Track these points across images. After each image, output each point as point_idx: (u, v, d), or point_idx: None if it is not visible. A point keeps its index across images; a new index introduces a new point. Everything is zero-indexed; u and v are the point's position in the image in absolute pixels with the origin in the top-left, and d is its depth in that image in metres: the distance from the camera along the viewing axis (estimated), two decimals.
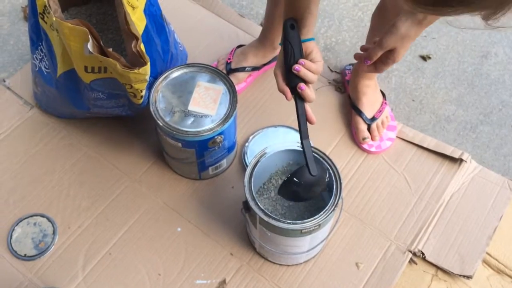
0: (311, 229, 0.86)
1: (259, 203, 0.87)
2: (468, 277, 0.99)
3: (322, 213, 0.86)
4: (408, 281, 1.00)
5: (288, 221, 0.85)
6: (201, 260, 1.02)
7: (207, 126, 0.96)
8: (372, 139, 1.14)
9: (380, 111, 1.15)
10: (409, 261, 1.02)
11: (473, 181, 1.11)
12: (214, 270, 1.01)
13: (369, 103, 1.15)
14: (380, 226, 1.06)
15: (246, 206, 0.90)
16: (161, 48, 1.05)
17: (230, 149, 1.07)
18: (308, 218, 0.97)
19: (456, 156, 1.13)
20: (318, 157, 0.92)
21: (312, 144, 1.14)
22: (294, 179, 0.87)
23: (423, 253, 1.02)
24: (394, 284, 0.99)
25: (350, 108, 1.19)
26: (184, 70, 1.03)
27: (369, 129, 1.14)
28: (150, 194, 1.10)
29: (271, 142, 1.16)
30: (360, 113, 1.14)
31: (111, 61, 0.82)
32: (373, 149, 1.14)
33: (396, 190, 1.11)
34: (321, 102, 1.23)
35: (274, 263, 1.02)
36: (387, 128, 1.16)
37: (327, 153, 0.92)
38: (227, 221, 1.07)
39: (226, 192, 1.11)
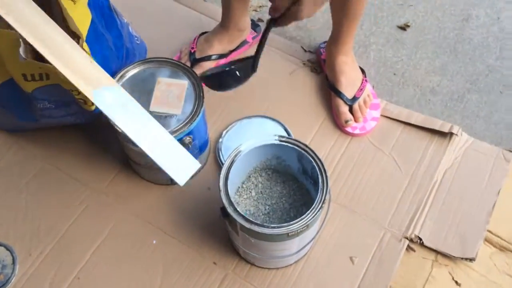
0: (299, 231, 0.77)
1: (238, 209, 0.78)
2: (471, 260, 0.92)
3: (309, 212, 0.77)
4: (407, 271, 0.93)
5: (273, 226, 0.76)
6: (181, 274, 0.93)
7: (173, 127, 0.86)
8: (355, 120, 1.05)
9: (361, 89, 1.06)
10: (407, 249, 0.94)
11: (465, 155, 1.04)
12: (196, 284, 0.92)
13: (349, 82, 1.06)
14: (372, 214, 0.98)
15: (224, 212, 0.80)
16: (113, 44, 0.94)
17: (202, 148, 0.97)
18: (294, 215, 0.89)
19: (446, 130, 1.05)
20: (298, 149, 0.83)
21: (292, 135, 1.06)
22: (237, 72, 0.84)
23: (420, 239, 0.94)
24: (393, 275, 0.91)
25: (329, 90, 1.09)
26: (142, 67, 0.92)
27: (351, 110, 1.05)
28: (119, 206, 1.00)
29: (247, 135, 1.06)
30: (339, 94, 1.05)
31: (50, 66, 0.71)
32: (357, 131, 1.05)
33: (385, 173, 1.03)
34: (297, 86, 1.14)
35: (262, 267, 0.93)
36: (370, 107, 1.08)
37: (307, 142, 0.84)
38: (206, 227, 0.97)
39: (203, 195, 1.01)
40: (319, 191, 0.79)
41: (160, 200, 1.01)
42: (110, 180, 1.03)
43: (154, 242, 0.96)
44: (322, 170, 0.81)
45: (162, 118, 0.86)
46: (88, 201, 1.00)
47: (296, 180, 0.93)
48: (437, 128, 1.05)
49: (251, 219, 0.77)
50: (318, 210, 0.78)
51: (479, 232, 0.95)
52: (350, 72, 1.06)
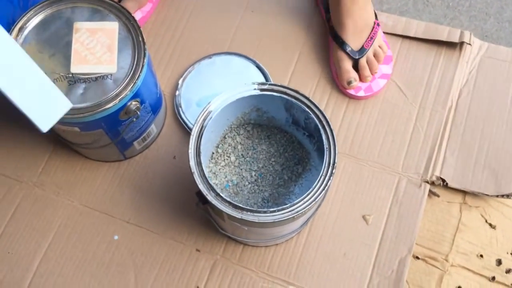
0: (307, 209, 0.57)
1: (221, 193, 0.57)
2: (508, 196, 0.76)
3: (316, 184, 0.57)
4: (432, 221, 0.76)
5: (272, 210, 0.56)
6: (158, 271, 0.73)
7: (110, 92, 0.61)
8: (361, 80, 0.81)
9: (371, 37, 0.80)
10: (429, 195, 0.77)
11: (481, 66, 0.85)
12: (180, 280, 0.73)
13: (357, 28, 0.79)
14: (380, 159, 0.79)
15: (202, 199, 0.59)
16: None
17: (155, 109, 0.74)
18: (289, 177, 0.69)
19: (455, 39, 0.84)
20: (288, 97, 0.61)
21: (270, 78, 0.82)
22: None
23: (443, 180, 0.77)
24: (417, 230, 0.75)
25: (327, 33, 0.85)
26: (49, 11, 0.64)
27: (356, 66, 0.81)
28: (61, 198, 0.77)
29: (210, 81, 0.83)
30: (342, 44, 0.80)
31: None
32: (361, 94, 0.81)
33: (389, 105, 0.83)
34: (285, 33, 0.88)
35: (257, 246, 0.75)
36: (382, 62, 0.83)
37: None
38: (179, 206, 0.76)
39: (168, 167, 0.79)
40: (325, 152, 0.59)
41: (113, 182, 0.78)
42: (43, 167, 0.79)
43: (116, 237, 0.75)
44: (325, 123, 0.60)
45: (91, 81, 0.61)
46: (19, 199, 0.76)
47: (284, 133, 0.72)
48: (444, 38, 0.85)
49: (240, 205, 0.56)
50: (329, 180, 0.58)
51: None
52: (360, 13, 0.78)
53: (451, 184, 0.77)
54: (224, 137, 0.71)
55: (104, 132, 0.65)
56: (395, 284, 0.72)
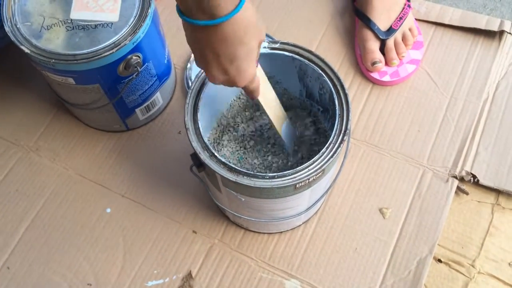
0: (311, 179, 0.51)
1: (216, 153, 0.51)
2: None
3: (324, 150, 0.51)
4: (459, 221, 0.67)
5: (271, 175, 0.50)
6: (150, 250, 0.67)
7: (109, 40, 0.57)
8: (387, 63, 0.75)
9: (401, 18, 0.75)
10: (456, 192, 0.69)
11: None
12: (172, 261, 0.66)
13: (385, 6, 0.74)
14: (404, 149, 0.71)
15: (196, 161, 0.53)
16: None
17: (162, 76, 0.69)
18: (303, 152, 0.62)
19: (495, 28, 0.77)
20: (300, 58, 0.55)
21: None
22: None
23: (474, 176, 0.68)
24: (441, 229, 0.66)
25: (354, 16, 0.80)
26: None
27: (382, 48, 0.75)
28: (56, 165, 0.72)
29: None
30: (369, 23, 0.74)
31: None
32: (386, 78, 0.75)
33: (417, 92, 0.75)
34: (309, 13, 0.83)
35: (260, 232, 0.68)
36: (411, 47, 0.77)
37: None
38: (179, 184, 0.71)
39: (171, 143, 0.74)
40: (337, 118, 0.52)
41: (112, 153, 0.73)
42: (41, 132, 0.75)
43: (108, 211, 0.69)
44: (339, 87, 0.54)
45: (90, 29, 0.57)
46: (13, 162, 0.72)
47: (299, 110, 0.65)
48: (482, 27, 0.77)
49: (236, 167, 0.50)
50: (338, 147, 0.51)
51: None
52: None
53: (482, 181, 0.68)
54: (231, 106, 0.65)
55: (101, 88, 0.61)
56: (411, 286, 0.63)
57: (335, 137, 0.51)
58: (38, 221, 0.69)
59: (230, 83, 0.45)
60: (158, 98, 0.71)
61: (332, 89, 0.53)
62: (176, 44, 0.79)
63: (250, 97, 0.51)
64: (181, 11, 0.40)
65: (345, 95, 0.53)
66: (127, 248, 0.67)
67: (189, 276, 0.66)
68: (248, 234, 0.68)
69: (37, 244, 0.68)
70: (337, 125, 0.52)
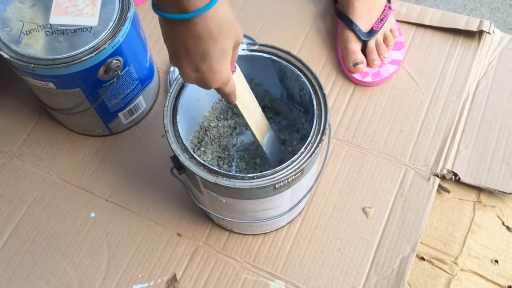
0: (290, 179, 0.51)
1: (195, 155, 0.51)
2: None
3: (303, 150, 0.51)
4: (441, 219, 0.68)
5: (250, 175, 0.50)
6: (134, 254, 0.67)
7: (88, 44, 0.57)
8: (368, 64, 0.76)
9: (382, 20, 0.75)
10: (438, 190, 0.69)
11: (502, 58, 0.78)
12: (156, 265, 0.66)
13: (366, 7, 0.75)
14: (386, 149, 0.72)
15: (176, 163, 0.53)
16: None
17: (144, 79, 0.69)
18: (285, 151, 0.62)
19: (474, 28, 0.78)
20: (279, 60, 0.56)
21: None
22: None
23: (455, 174, 0.69)
24: (423, 227, 0.66)
25: (336, 17, 0.80)
26: None
27: (364, 49, 0.76)
28: (40, 170, 0.72)
29: None
30: (351, 24, 0.75)
31: None
32: (368, 79, 0.75)
33: (398, 92, 0.76)
34: (291, 15, 0.84)
35: (244, 234, 0.68)
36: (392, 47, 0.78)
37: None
38: (163, 187, 0.71)
39: (154, 147, 0.74)
40: (315, 118, 0.52)
41: (96, 157, 0.73)
42: (24, 138, 0.75)
43: (92, 215, 0.69)
44: (317, 88, 0.54)
45: (70, 33, 0.57)
46: None
47: (281, 113, 0.66)
48: (461, 27, 0.78)
49: (215, 168, 0.50)
50: (316, 147, 0.51)
51: None
52: None
53: (464, 179, 0.69)
54: (213, 109, 0.65)
55: (82, 92, 0.61)
56: (394, 284, 0.63)
57: (313, 137, 0.52)
58: (21, 226, 0.69)
59: (203, 82, 0.45)
60: (141, 101, 0.72)
61: (311, 89, 0.54)
62: (159, 48, 0.80)
63: (226, 101, 0.51)
64: (155, 5, 0.40)
65: (323, 95, 0.53)
66: (112, 253, 0.67)
67: (174, 279, 0.66)
68: (232, 236, 0.68)
69: (21, 250, 0.67)
70: (316, 125, 0.52)
